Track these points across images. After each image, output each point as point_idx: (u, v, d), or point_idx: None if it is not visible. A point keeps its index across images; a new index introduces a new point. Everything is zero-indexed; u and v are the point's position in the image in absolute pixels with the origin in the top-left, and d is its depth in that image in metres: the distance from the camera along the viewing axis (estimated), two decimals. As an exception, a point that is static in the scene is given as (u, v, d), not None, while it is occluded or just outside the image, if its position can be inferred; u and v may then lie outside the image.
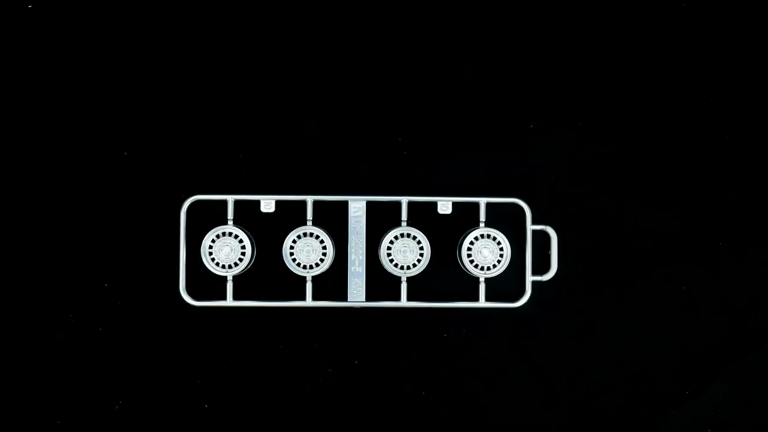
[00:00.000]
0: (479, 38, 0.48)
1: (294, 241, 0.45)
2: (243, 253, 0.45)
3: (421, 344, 0.48)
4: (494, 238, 0.45)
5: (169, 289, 0.47)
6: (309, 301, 0.45)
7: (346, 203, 0.45)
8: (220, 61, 0.48)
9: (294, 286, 0.46)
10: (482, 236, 0.45)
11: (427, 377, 0.48)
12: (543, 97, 0.48)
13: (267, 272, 0.46)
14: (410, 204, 0.46)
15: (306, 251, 0.45)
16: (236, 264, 0.45)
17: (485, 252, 0.45)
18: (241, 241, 0.45)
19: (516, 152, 0.48)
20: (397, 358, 0.48)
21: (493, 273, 0.46)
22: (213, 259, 0.45)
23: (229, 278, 0.45)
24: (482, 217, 0.46)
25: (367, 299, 0.46)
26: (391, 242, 0.45)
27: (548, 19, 0.48)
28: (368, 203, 0.45)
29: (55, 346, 0.47)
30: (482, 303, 0.46)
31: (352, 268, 0.46)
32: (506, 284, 0.47)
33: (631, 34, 0.48)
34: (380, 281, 0.46)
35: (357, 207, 0.45)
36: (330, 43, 0.47)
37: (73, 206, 0.47)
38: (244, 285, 0.46)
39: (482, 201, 0.46)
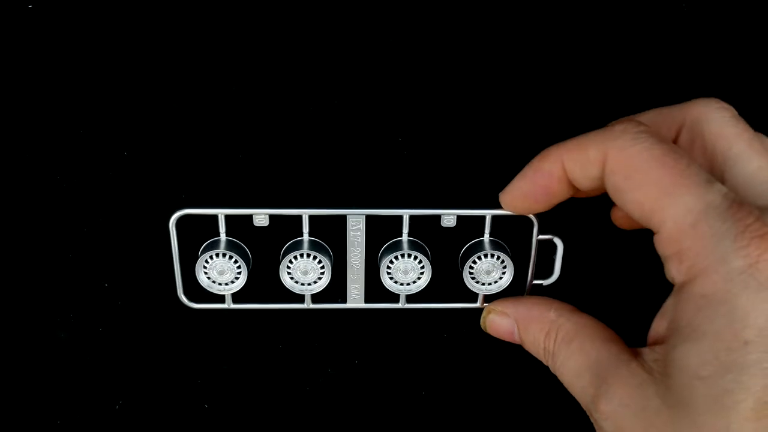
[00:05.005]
0: (480, 40, 0.47)
1: (291, 261, 0.44)
2: (239, 272, 0.44)
3: (421, 344, 0.48)
4: (498, 257, 0.44)
5: (169, 289, 0.47)
6: (308, 304, 0.45)
7: (344, 217, 0.44)
8: (220, 61, 0.47)
9: (293, 294, 0.45)
10: (485, 256, 0.44)
11: (427, 377, 0.48)
12: (544, 101, 0.48)
13: (264, 287, 0.46)
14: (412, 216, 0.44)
15: (303, 270, 0.44)
16: (232, 282, 0.44)
17: (488, 268, 0.45)
18: (236, 261, 0.44)
19: (518, 159, 0.47)
20: (397, 358, 0.48)
21: (494, 290, 0.45)
22: (209, 278, 0.44)
23: (227, 294, 0.45)
24: (487, 229, 0.45)
25: (366, 302, 0.45)
26: (392, 261, 0.44)
27: (552, 23, 0.47)
28: (368, 216, 0.44)
29: (55, 346, 0.47)
30: (480, 305, 0.46)
31: (352, 275, 0.45)
32: (507, 287, 0.46)
33: (631, 34, 0.48)
34: (379, 289, 0.46)
35: (355, 222, 0.43)
36: (329, 42, 0.47)
37: (72, 206, 0.47)
38: (243, 291, 0.46)
39: (488, 214, 0.44)
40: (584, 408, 0.37)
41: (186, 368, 0.47)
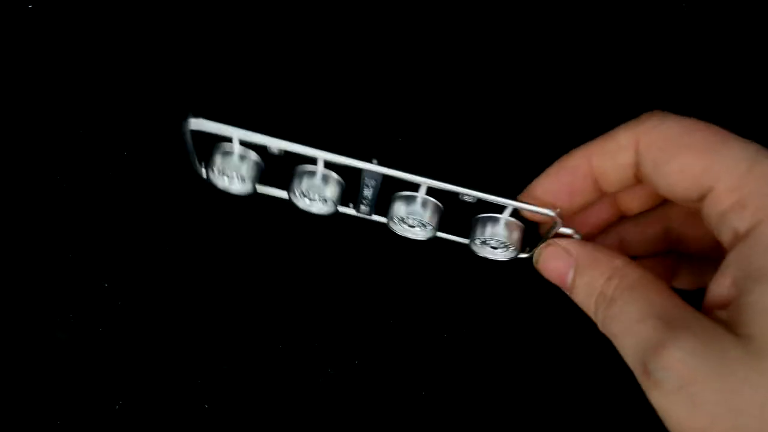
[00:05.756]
0: (481, 41, 0.48)
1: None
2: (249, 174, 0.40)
3: (422, 344, 0.48)
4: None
5: (169, 290, 0.47)
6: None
7: (359, 171, 0.38)
8: (218, 60, 0.48)
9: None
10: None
11: (427, 377, 0.48)
12: (547, 101, 0.48)
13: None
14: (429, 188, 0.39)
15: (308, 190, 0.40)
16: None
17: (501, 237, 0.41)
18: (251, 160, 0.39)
19: (522, 156, 0.47)
20: (397, 358, 0.48)
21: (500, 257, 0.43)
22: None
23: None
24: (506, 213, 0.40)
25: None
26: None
27: (553, 20, 0.48)
28: (385, 177, 0.38)
29: (55, 346, 0.47)
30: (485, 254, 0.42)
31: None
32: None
33: (631, 34, 0.48)
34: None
35: (371, 179, 0.38)
36: (330, 43, 0.48)
37: (73, 206, 0.47)
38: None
39: (510, 205, 0.39)
40: (635, 364, 0.33)
41: (186, 368, 0.47)
